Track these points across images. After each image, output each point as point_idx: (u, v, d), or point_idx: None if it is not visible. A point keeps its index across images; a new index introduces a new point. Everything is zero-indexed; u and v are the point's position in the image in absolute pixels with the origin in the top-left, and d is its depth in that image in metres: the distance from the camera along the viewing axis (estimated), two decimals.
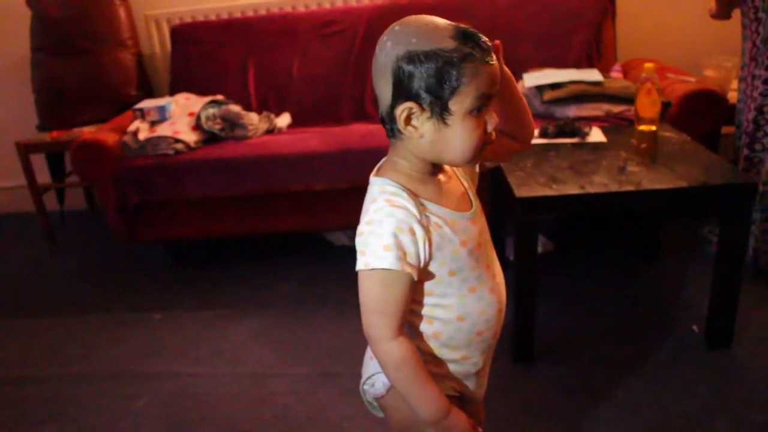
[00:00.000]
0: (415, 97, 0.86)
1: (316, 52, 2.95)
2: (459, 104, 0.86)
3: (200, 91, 2.86)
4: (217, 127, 2.58)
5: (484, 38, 0.87)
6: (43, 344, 2.25)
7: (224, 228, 2.63)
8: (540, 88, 2.49)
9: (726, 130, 2.51)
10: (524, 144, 1.07)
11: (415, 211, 0.89)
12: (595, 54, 2.86)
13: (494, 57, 0.87)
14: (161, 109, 2.58)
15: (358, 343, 1.03)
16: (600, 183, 1.73)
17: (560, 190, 1.70)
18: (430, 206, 0.92)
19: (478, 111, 0.87)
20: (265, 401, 1.85)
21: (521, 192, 1.71)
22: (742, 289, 1.80)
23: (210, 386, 1.94)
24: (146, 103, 2.65)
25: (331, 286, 2.39)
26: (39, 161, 3.07)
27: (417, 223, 0.89)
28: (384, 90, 0.88)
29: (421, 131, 0.88)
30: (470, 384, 1.06)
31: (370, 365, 1.05)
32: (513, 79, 0.97)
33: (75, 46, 2.93)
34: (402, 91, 0.86)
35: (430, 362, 1.00)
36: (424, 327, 0.98)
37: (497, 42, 0.90)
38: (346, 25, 2.93)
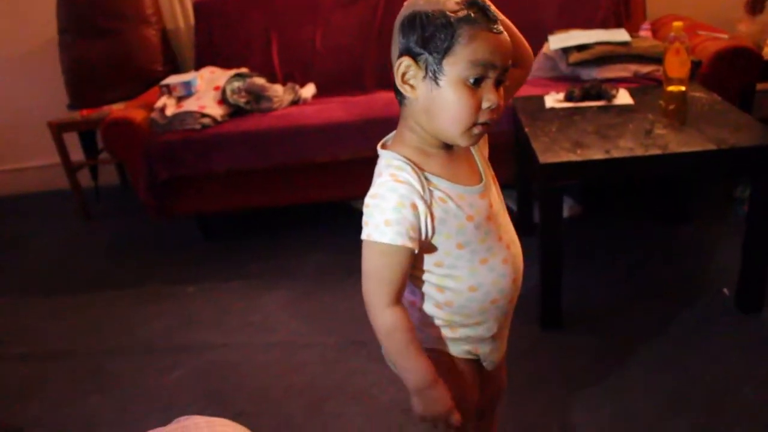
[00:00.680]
0: (411, 53, 0.87)
1: (338, 22, 2.93)
2: (452, 65, 0.85)
3: (225, 65, 2.87)
4: (243, 100, 2.59)
5: (493, 8, 0.86)
6: (84, 319, 2.32)
7: (253, 200, 2.66)
8: (566, 51, 2.45)
9: (762, 86, 2.44)
10: (526, 68, 1.03)
11: (418, 186, 0.90)
12: (623, 13, 2.79)
13: (501, 27, 0.86)
14: (187, 85, 2.60)
15: None
16: (626, 147, 1.70)
17: (584, 155, 1.68)
18: (435, 180, 0.93)
19: (475, 82, 0.86)
20: (295, 370, 1.89)
21: (545, 158, 1.70)
22: None
23: (242, 356, 1.99)
24: (172, 79, 2.67)
25: (359, 255, 2.40)
26: (72, 139, 3.12)
27: (419, 198, 0.90)
28: (393, 52, 0.90)
29: (416, 92, 0.89)
30: (486, 347, 1.07)
31: None
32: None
33: (100, 26, 2.96)
34: (402, 47, 0.88)
35: (443, 327, 1.02)
36: (437, 295, 0.99)
37: None
38: None
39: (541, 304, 1.88)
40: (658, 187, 2.63)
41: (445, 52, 0.85)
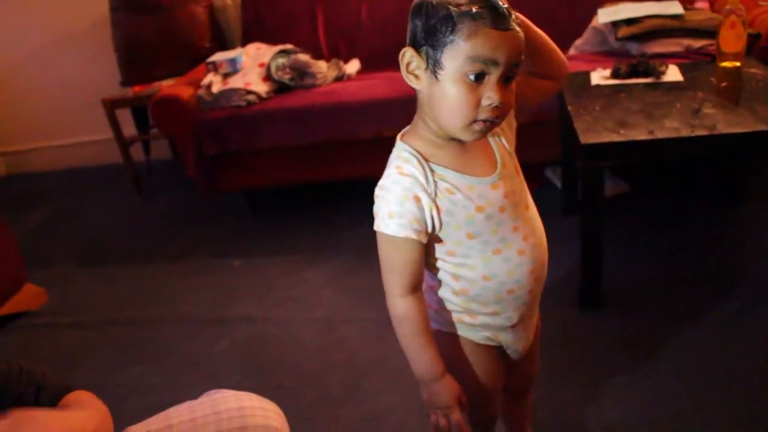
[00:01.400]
0: (415, 43, 0.88)
1: None
2: (451, 60, 0.84)
3: (271, 40, 2.90)
4: (287, 76, 2.61)
5: (503, 4, 0.84)
6: (133, 290, 2.42)
7: (297, 176, 2.70)
8: (615, 24, 2.38)
9: None
10: (559, 81, 1.03)
11: (422, 179, 0.91)
12: None
13: (511, 24, 0.84)
14: (232, 62, 2.64)
15: None
16: (671, 127, 1.65)
17: (627, 135, 1.64)
18: (442, 172, 0.93)
19: (476, 77, 0.84)
20: (335, 345, 1.93)
21: (587, 138, 1.66)
22: None
23: (283, 330, 2.04)
24: (218, 56, 2.71)
25: None
26: (125, 114, 3.22)
27: (423, 191, 0.91)
28: (408, 36, 0.91)
29: (420, 82, 0.89)
30: (508, 336, 1.07)
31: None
32: (526, 20, 0.92)
33: (150, 3, 3.01)
34: (409, 35, 0.89)
35: (462, 313, 1.02)
36: (453, 283, 1.00)
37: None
38: None
39: (581, 284, 1.86)
40: (709, 167, 2.55)
41: (445, 45, 0.84)
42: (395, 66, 0.92)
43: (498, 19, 0.82)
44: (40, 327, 2.25)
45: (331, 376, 1.80)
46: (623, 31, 2.30)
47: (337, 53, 2.95)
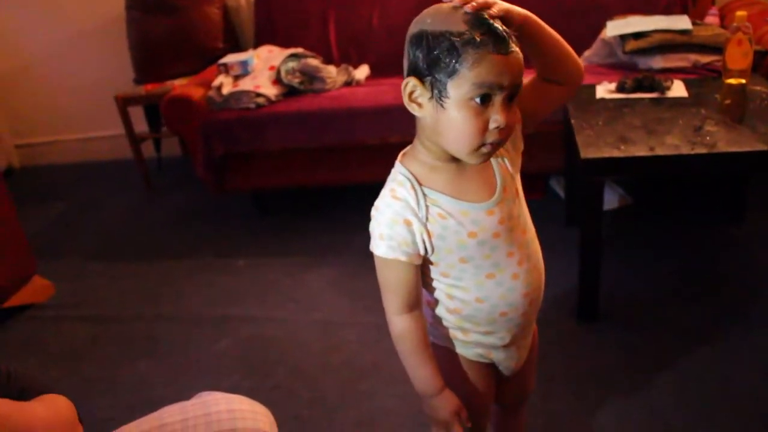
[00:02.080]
0: (418, 74, 0.87)
1: (396, 1, 2.94)
2: (457, 89, 0.84)
3: (283, 43, 2.93)
4: (297, 80, 2.64)
5: (502, 27, 0.83)
6: (139, 286, 2.46)
7: (304, 179, 2.73)
8: (623, 37, 2.39)
9: None
10: (573, 87, 1.01)
11: (413, 204, 0.92)
12: None
13: (511, 47, 0.83)
14: (243, 64, 2.67)
15: None
16: (671, 144, 1.66)
17: (628, 151, 1.66)
18: (436, 196, 0.93)
19: (481, 101, 0.84)
20: (334, 348, 1.96)
21: (587, 152, 1.68)
22: None
23: (284, 331, 2.07)
24: (230, 58, 2.75)
25: None
26: (137, 111, 3.26)
27: (414, 215, 0.92)
28: (404, 63, 0.90)
29: (423, 110, 0.89)
30: (500, 355, 1.08)
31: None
32: (539, 21, 0.92)
33: (165, 3, 3.06)
34: (410, 67, 0.88)
35: (455, 329, 1.04)
36: (447, 301, 1.01)
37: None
38: None
39: (578, 297, 1.88)
40: (713, 182, 2.55)
41: (450, 75, 0.83)
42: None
43: (500, 44, 0.83)
44: (47, 319, 2.30)
45: (328, 379, 1.83)
46: (630, 45, 2.31)
47: (348, 58, 2.97)
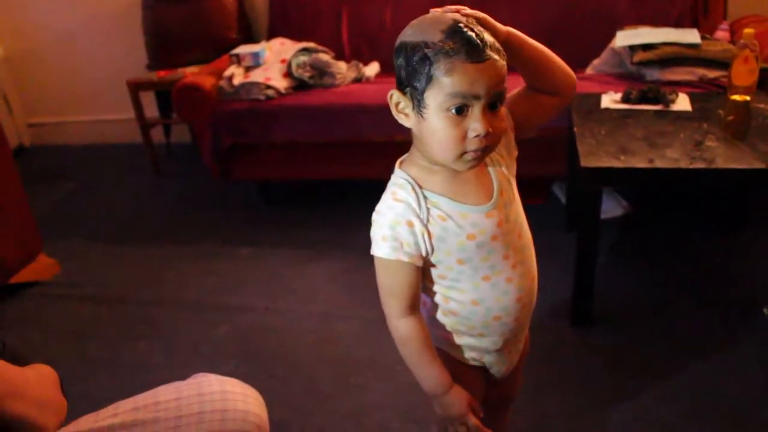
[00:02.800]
0: (400, 86, 0.91)
1: (409, 1, 2.96)
2: (433, 99, 0.86)
3: (297, 36, 2.96)
4: (307, 74, 2.68)
5: (479, 36, 0.84)
6: (142, 269, 2.50)
7: (310, 172, 2.76)
8: (632, 48, 2.41)
9: None
10: (565, 98, 1.02)
11: (414, 205, 0.94)
12: (701, 10, 2.71)
13: (487, 54, 0.84)
14: (255, 56, 2.71)
15: None
16: (671, 158, 1.69)
17: (627, 162, 1.68)
18: (436, 198, 0.95)
19: (458, 111, 0.86)
20: (331, 341, 1.99)
21: (587, 161, 1.71)
22: None
23: (282, 322, 2.10)
24: (242, 49, 2.78)
25: None
26: (149, 96, 3.30)
27: (415, 216, 0.94)
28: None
29: (409, 120, 0.92)
30: (491, 359, 1.10)
31: None
32: (522, 36, 0.94)
33: None
34: (396, 77, 0.92)
35: (451, 332, 1.06)
36: (443, 303, 1.04)
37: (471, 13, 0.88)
38: None
39: (573, 301, 1.91)
40: (714, 193, 2.58)
41: (426, 85, 0.86)
42: None
43: (473, 52, 0.83)
44: (51, 297, 2.34)
45: (323, 370, 1.87)
46: (639, 56, 2.33)
47: (359, 54, 3.00)
